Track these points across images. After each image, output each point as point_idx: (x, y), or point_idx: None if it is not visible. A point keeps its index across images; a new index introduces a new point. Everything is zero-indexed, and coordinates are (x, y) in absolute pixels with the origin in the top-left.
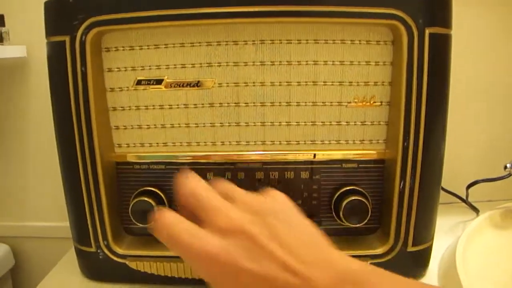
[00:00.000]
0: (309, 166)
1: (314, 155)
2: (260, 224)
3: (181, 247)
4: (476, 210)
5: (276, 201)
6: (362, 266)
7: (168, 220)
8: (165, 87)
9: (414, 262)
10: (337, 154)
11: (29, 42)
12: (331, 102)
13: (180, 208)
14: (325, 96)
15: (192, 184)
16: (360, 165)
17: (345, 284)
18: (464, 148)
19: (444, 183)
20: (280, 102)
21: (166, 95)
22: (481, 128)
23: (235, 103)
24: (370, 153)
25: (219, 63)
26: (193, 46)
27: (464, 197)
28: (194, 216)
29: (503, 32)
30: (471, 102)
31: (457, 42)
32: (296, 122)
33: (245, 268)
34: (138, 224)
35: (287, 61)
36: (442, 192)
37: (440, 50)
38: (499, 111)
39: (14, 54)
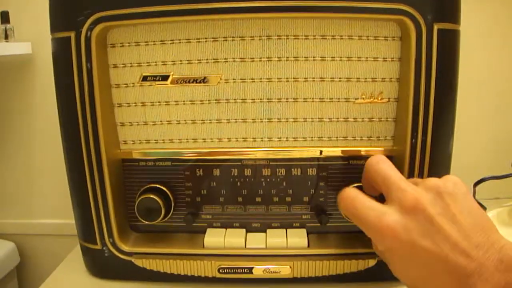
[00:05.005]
0: (316, 163)
1: (321, 151)
2: (440, 205)
3: (357, 218)
4: (483, 207)
5: (454, 184)
6: None
7: (347, 193)
8: (171, 83)
9: None
10: (344, 151)
11: (34, 39)
12: (338, 98)
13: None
14: (333, 92)
15: (383, 165)
16: None
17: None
18: (471, 145)
19: None
20: (287, 98)
21: (172, 91)
22: (488, 125)
23: (241, 99)
24: (377, 149)
25: (225, 59)
26: (199, 42)
27: (471, 194)
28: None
29: None
30: (478, 98)
31: (465, 38)
32: (303, 119)
33: (420, 244)
34: (144, 221)
35: (294, 57)
36: None
37: (449, 46)
38: (506, 108)
39: (19, 51)
